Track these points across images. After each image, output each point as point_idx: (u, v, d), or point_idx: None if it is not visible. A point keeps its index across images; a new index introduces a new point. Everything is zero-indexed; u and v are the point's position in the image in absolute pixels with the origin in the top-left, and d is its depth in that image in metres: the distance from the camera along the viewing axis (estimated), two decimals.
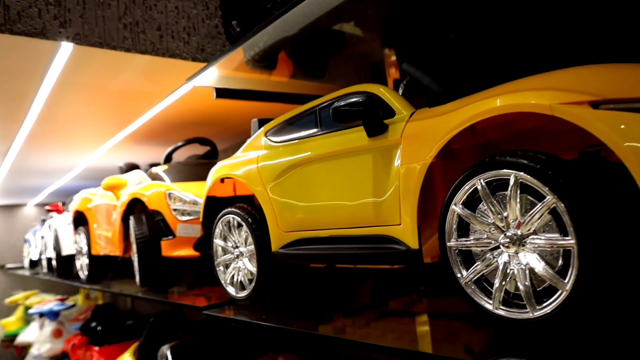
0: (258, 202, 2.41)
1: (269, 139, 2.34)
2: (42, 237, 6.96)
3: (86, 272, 4.67)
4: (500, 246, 1.33)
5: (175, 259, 3.30)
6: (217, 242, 2.52)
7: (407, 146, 1.63)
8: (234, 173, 2.42)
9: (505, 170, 1.30)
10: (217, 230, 2.52)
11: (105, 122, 4.11)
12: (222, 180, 2.61)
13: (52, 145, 4.79)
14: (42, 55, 2.57)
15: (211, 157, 4.38)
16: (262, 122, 2.56)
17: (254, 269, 2.30)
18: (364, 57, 3.02)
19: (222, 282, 2.51)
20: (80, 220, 4.85)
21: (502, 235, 1.32)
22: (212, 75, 2.73)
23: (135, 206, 3.74)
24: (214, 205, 2.75)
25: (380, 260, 1.73)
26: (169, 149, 4.19)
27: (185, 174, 3.80)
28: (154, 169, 3.91)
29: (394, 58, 2.80)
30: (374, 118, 1.71)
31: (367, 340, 1.47)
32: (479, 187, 1.38)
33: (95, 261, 4.55)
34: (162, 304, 3.09)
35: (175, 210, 3.25)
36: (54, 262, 5.87)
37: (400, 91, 1.96)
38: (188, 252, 3.20)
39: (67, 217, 5.40)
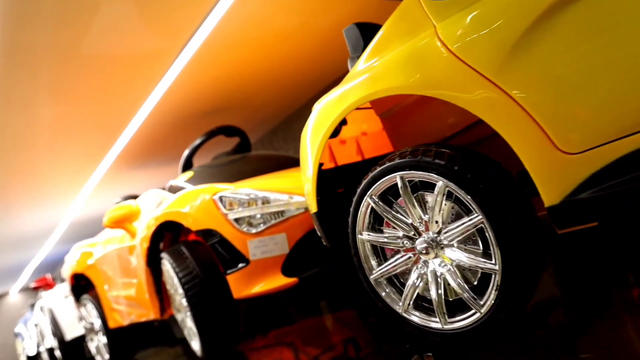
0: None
1: None
2: (36, 325, 5.64)
3: (106, 356, 3.36)
4: None
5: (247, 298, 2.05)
6: (366, 237, 1.32)
7: None
8: (393, 85, 1.20)
9: None
10: (362, 216, 1.31)
11: (92, 132, 2.84)
12: (333, 134, 1.41)
13: (17, 197, 3.47)
14: None
15: (243, 151, 3.17)
16: (362, 26, 1.65)
17: (482, 263, 1.09)
18: None
19: (398, 309, 1.30)
20: (81, 287, 3.57)
21: None
22: None
23: (160, 239, 2.48)
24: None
25: None
26: (187, 151, 2.98)
27: (219, 178, 2.58)
28: (174, 182, 2.69)
29: None
30: None
31: None
32: None
33: (117, 336, 3.25)
34: None
35: (237, 220, 2.01)
36: (57, 353, 4.53)
37: None
38: (278, 281, 1.96)
39: (62, 288, 4.28)
